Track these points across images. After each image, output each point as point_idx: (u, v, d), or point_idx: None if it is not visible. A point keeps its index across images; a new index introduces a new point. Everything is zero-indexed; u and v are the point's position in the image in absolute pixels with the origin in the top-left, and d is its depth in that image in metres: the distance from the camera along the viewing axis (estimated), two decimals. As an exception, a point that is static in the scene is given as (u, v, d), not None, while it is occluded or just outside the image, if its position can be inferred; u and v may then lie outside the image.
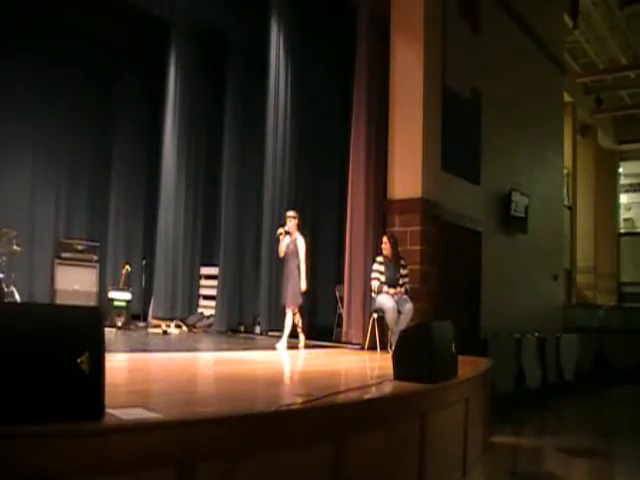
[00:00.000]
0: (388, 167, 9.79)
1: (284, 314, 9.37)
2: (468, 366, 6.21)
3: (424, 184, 9.49)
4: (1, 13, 12.06)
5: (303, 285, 9.14)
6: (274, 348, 8.85)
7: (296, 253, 9.19)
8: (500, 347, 10.24)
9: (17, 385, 2.71)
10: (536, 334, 11.64)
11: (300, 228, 9.44)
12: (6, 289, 10.10)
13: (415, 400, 4.72)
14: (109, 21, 13.01)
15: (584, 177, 21.32)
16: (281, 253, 9.35)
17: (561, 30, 15.90)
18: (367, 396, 4.53)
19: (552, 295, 14.82)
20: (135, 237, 14.24)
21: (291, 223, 9.30)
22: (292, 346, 9.09)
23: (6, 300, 9.70)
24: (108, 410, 2.96)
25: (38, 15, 12.54)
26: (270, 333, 11.22)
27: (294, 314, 9.19)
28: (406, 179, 9.59)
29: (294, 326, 9.25)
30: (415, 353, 5.13)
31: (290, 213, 9.47)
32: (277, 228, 9.48)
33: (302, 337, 9.39)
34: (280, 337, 9.16)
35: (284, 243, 9.26)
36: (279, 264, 11.32)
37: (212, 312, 12.72)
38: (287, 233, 9.28)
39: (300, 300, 9.22)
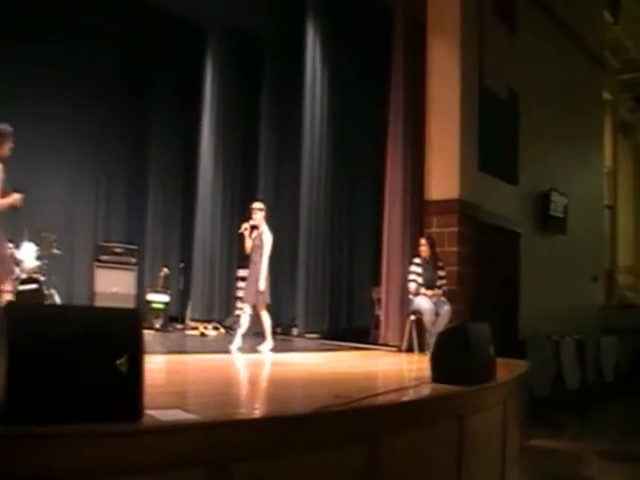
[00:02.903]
0: (425, 168, 9.74)
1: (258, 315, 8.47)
2: (506, 368, 6.13)
3: (461, 185, 9.43)
4: (39, 20, 12.31)
5: (262, 284, 8.26)
6: (258, 351, 8.20)
7: (261, 248, 8.45)
8: (538, 349, 10.13)
9: (57, 386, 2.74)
10: (575, 336, 11.48)
11: (267, 221, 8.70)
12: (47, 292, 10.23)
13: (453, 403, 4.68)
14: (144, 25, 13.15)
15: (625, 176, 20.95)
16: (247, 250, 8.63)
17: (600, 27, 15.69)
18: (405, 398, 4.50)
19: (591, 296, 14.62)
20: (173, 240, 14.36)
21: (258, 215, 8.54)
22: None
23: (47, 303, 9.82)
24: (146, 411, 2.98)
25: (73, 22, 12.74)
26: (308, 335, 11.24)
27: (258, 314, 8.38)
28: (443, 180, 9.54)
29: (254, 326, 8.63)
30: (453, 355, 5.09)
31: (257, 205, 8.74)
32: (242, 223, 8.72)
33: (270, 341, 8.44)
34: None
35: (250, 238, 8.53)
36: (317, 266, 11.36)
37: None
38: (253, 228, 8.55)
39: (259, 299, 8.32)
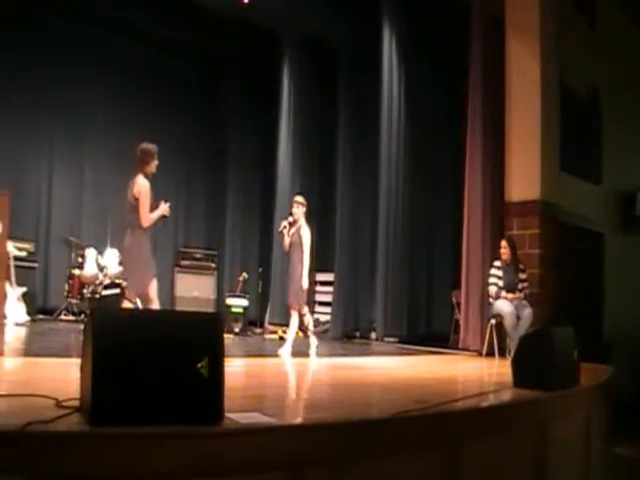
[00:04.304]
0: (505, 169, 9.58)
1: (289, 315, 8.48)
2: (590, 373, 5.98)
3: (543, 185, 9.24)
4: (121, 34, 12.72)
5: (305, 282, 8.12)
6: (278, 355, 7.98)
7: (300, 245, 8.17)
8: (624, 354, 9.82)
9: (140, 388, 2.80)
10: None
11: (307, 217, 8.46)
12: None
13: (534, 408, 4.58)
14: (221, 35, 13.44)
15: None
16: (285, 248, 8.37)
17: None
18: (485, 404, 4.43)
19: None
20: (252, 244, 14.54)
21: (299, 210, 8.30)
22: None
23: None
24: (226, 414, 3.02)
25: (154, 36, 13.14)
26: (386, 339, 11.20)
27: (301, 315, 8.28)
28: (524, 181, 9.36)
29: (305, 329, 8.57)
30: (535, 360, 4.99)
31: (300, 198, 8.50)
32: (283, 220, 8.54)
33: (314, 341, 8.33)
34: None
35: (288, 235, 8.30)
36: (395, 270, 11.30)
37: (328, 318, 12.81)
38: (291, 224, 8.29)
39: (305, 298, 8.28)
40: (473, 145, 9.72)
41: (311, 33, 12.90)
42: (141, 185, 6.59)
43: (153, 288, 6.70)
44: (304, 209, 8.38)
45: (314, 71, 13.33)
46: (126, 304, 6.68)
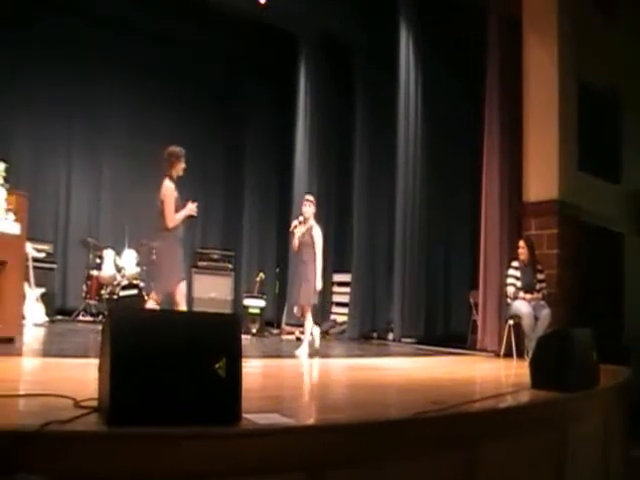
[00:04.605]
0: (523, 169, 9.53)
1: (301, 316, 8.31)
2: (609, 375, 5.93)
3: (560, 185, 9.19)
4: (136, 35, 12.80)
5: (319, 284, 8.08)
6: (295, 356, 7.90)
7: (312, 245, 8.10)
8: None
9: (158, 389, 2.81)
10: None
11: (316, 216, 8.40)
12: (146, 297, 10.55)
13: (553, 410, 4.55)
14: (238, 34, 13.43)
15: None
16: (295, 247, 8.28)
17: None
18: (503, 405, 4.41)
19: None
20: (268, 245, 14.56)
21: (310, 209, 8.22)
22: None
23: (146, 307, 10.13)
24: (244, 415, 3.02)
25: (170, 35, 13.20)
26: (404, 340, 11.17)
27: (306, 315, 8.17)
28: (542, 180, 9.31)
29: (302, 332, 8.48)
30: (554, 360, 4.96)
31: (309, 197, 8.46)
32: (294, 219, 8.48)
33: (305, 346, 8.12)
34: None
35: (298, 234, 8.21)
36: (413, 270, 11.28)
37: (345, 319, 12.80)
38: (301, 223, 8.21)
39: (315, 300, 8.27)
40: (490, 145, 9.68)
41: (328, 33, 12.90)
42: (165, 188, 6.76)
43: (180, 291, 6.86)
44: (314, 208, 8.33)
45: (331, 71, 13.32)
46: (151, 304, 6.74)
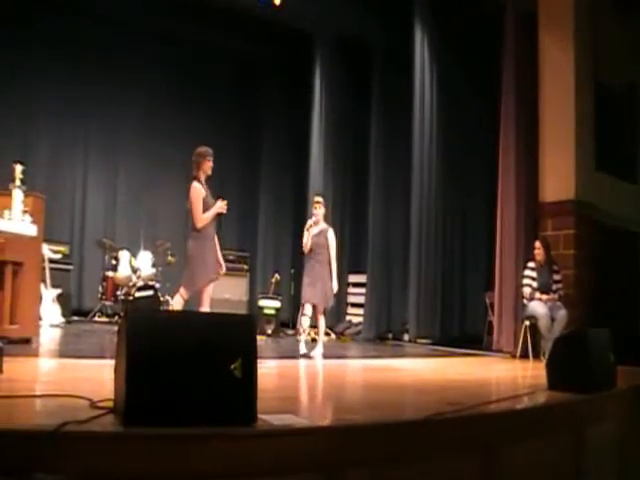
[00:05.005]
0: (539, 169, 9.48)
1: (316, 317, 8.16)
2: (626, 376, 5.89)
3: (577, 185, 9.13)
4: (154, 36, 12.85)
5: (335, 286, 8.08)
6: (310, 356, 7.86)
7: (326, 247, 8.06)
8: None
9: (174, 389, 2.82)
10: None
11: (326, 217, 8.38)
12: (162, 298, 10.59)
13: (570, 411, 4.53)
14: (255, 35, 13.46)
15: None
16: (307, 249, 8.15)
17: None
18: (519, 406, 4.39)
19: None
20: (284, 246, 14.55)
21: (321, 210, 8.19)
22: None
23: (162, 309, 10.17)
24: (260, 416, 3.02)
25: (187, 37, 13.30)
26: (419, 341, 11.15)
27: (320, 316, 8.12)
28: (558, 181, 9.25)
29: (317, 332, 8.37)
30: (570, 362, 4.93)
31: (319, 198, 8.37)
32: (307, 219, 8.39)
33: (320, 346, 8.10)
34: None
35: (314, 232, 8.10)
36: (428, 271, 11.25)
37: (360, 320, 12.78)
38: (314, 224, 8.15)
39: (332, 302, 8.29)
40: (506, 145, 9.63)
41: (343, 33, 12.88)
42: (192, 189, 6.82)
43: (206, 291, 6.91)
44: (324, 209, 8.34)
45: (346, 72, 13.29)
46: (177, 299, 6.79)
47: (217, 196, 7.00)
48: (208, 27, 12.97)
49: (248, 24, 12.57)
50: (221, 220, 7.01)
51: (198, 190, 6.80)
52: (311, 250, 8.11)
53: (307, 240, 8.09)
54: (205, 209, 6.77)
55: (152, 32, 12.97)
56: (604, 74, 9.82)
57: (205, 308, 6.85)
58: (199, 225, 6.74)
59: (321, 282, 8.01)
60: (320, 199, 8.40)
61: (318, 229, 8.13)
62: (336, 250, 8.26)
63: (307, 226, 8.18)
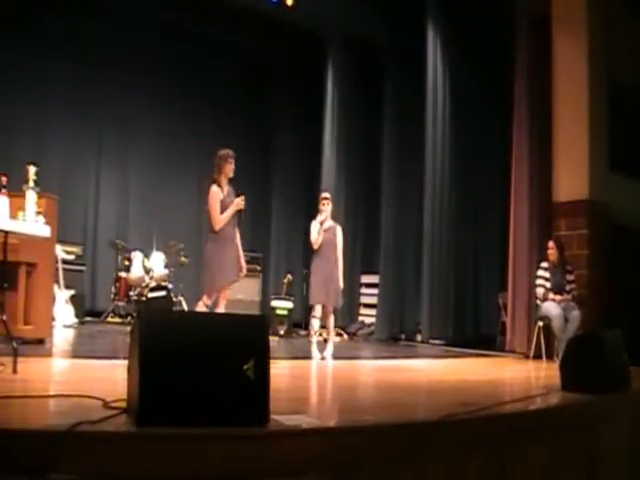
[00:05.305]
0: (553, 169, 9.44)
1: (326, 317, 8.01)
2: (641, 377, 5.86)
3: (591, 185, 9.08)
4: (167, 37, 12.87)
5: (341, 283, 7.93)
6: (322, 357, 7.77)
7: (335, 245, 7.92)
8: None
9: (187, 390, 2.82)
10: None
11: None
12: (175, 299, 10.62)
13: (583, 412, 4.51)
14: (267, 37, 13.46)
15: None
16: (316, 245, 7.91)
17: None
18: (532, 407, 4.37)
19: None
20: (296, 247, 14.54)
21: (329, 207, 8.00)
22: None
23: (174, 309, 10.19)
24: (272, 416, 3.02)
25: (200, 38, 13.32)
26: (432, 341, 11.12)
27: (330, 315, 7.98)
28: (572, 180, 9.21)
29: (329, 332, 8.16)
30: (584, 362, 4.91)
31: (326, 195, 8.22)
32: (316, 215, 8.11)
33: (332, 345, 8.03)
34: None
35: (326, 226, 7.92)
36: (441, 271, 11.23)
37: (373, 320, 12.77)
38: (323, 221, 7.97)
39: (342, 302, 8.19)
40: (520, 145, 9.61)
41: (355, 35, 12.88)
42: (209, 192, 6.86)
43: (224, 294, 6.95)
44: (332, 205, 8.14)
45: (358, 72, 13.27)
46: (200, 306, 6.81)
47: (236, 194, 7.02)
48: (221, 29, 12.99)
49: (259, 25, 12.59)
50: (241, 216, 6.97)
51: (215, 193, 6.82)
52: (322, 247, 7.94)
53: (319, 235, 7.89)
54: (223, 210, 6.79)
55: (166, 33, 12.96)
56: (619, 74, 9.76)
57: (220, 310, 6.86)
58: (217, 227, 6.78)
59: (330, 281, 7.83)
60: (328, 195, 8.28)
61: (327, 225, 8.00)
62: (345, 250, 8.19)
63: (319, 220, 7.95)
